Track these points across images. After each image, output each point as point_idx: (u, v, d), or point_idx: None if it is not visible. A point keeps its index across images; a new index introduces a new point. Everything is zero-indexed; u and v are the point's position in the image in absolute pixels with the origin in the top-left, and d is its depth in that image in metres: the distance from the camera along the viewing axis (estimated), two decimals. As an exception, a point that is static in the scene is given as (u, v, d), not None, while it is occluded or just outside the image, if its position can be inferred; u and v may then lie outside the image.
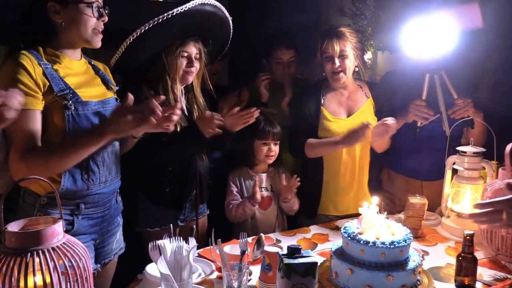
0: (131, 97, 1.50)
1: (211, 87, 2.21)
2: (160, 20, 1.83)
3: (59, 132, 1.56)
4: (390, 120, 2.11)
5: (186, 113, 2.12)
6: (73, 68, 1.66)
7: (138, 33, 1.85)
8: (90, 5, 1.58)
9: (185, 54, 2.02)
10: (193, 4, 1.86)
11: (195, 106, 2.16)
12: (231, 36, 2.18)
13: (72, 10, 1.57)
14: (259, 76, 2.61)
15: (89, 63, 1.77)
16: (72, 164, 1.54)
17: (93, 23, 1.61)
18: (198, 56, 2.07)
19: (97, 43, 1.66)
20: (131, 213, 2.06)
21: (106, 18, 1.65)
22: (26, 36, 1.58)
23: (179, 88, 2.09)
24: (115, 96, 1.79)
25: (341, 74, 2.28)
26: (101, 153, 1.66)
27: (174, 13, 1.83)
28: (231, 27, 2.12)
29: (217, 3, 1.97)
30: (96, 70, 1.78)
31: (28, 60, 1.51)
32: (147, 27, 1.83)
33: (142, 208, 2.11)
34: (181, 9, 1.84)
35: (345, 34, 2.25)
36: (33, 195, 1.59)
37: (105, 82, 1.78)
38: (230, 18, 2.07)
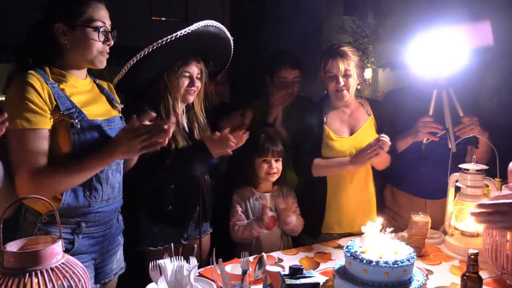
0: (135, 119, 1.52)
1: (209, 106, 2.22)
2: (165, 41, 1.84)
3: (65, 150, 1.56)
4: (384, 137, 2.11)
5: (186, 131, 2.12)
6: (79, 87, 1.67)
7: (142, 55, 1.86)
8: (97, 29, 1.60)
9: (187, 74, 2.03)
10: (197, 26, 1.88)
11: (196, 125, 2.16)
12: (231, 56, 2.20)
13: (79, 33, 1.59)
14: (274, 97, 2.58)
15: (94, 82, 1.79)
16: (80, 182, 1.56)
17: (99, 46, 1.63)
18: (199, 75, 2.08)
19: (102, 64, 1.68)
20: (133, 231, 2.04)
21: (112, 42, 1.67)
22: (33, 56, 1.59)
23: (180, 107, 2.10)
24: (120, 115, 1.79)
25: (345, 92, 2.28)
26: (105, 171, 1.66)
27: (179, 35, 1.85)
28: (232, 47, 2.15)
29: (220, 25, 1.99)
30: (100, 88, 1.79)
31: (36, 80, 1.52)
32: (151, 49, 1.85)
33: (145, 227, 2.09)
34: (186, 31, 1.86)
35: (348, 53, 2.25)
36: (34, 213, 1.58)
37: (110, 101, 1.79)
38: (231, 39, 2.09)
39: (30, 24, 1.63)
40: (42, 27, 1.60)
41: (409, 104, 2.33)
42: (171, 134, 1.57)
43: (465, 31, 2.07)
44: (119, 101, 1.85)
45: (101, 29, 1.61)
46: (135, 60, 1.87)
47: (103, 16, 1.63)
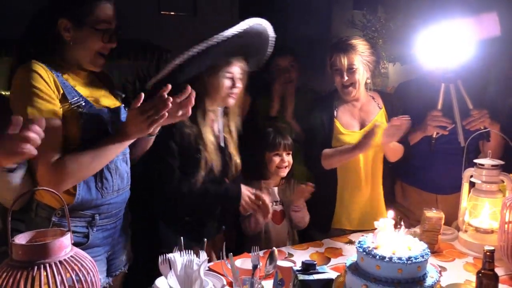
0: (141, 96, 1.49)
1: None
2: (215, 41, 1.73)
3: (75, 140, 1.54)
4: (397, 121, 2.07)
5: (221, 144, 2.02)
6: (81, 78, 1.65)
7: (186, 57, 1.75)
8: (101, 31, 1.57)
9: (229, 75, 1.90)
10: (248, 25, 1.78)
11: (230, 135, 2.05)
12: (269, 53, 2.07)
13: (84, 32, 1.56)
14: (274, 88, 2.56)
15: (93, 73, 1.74)
16: (99, 168, 1.55)
17: (100, 47, 1.60)
18: (241, 76, 1.95)
19: (99, 67, 1.65)
20: (154, 238, 2.02)
21: (115, 44, 1.63)
22: (34, 47, 1.56)
23: (219, 110, 1.99)
24: (123, 105, 1.77)
25: (351, 88, 2.24)
26: (114, 161, 1.65)
27: (230, 35, 1.74)
28: (272, 46, 2.02)
29: (266, 22, 1.88)
30: (100, 79, 1.76)
31: (41, 68, 1.49)
32: (196, 51, 1.73)
33: (164, 235, 2.04)
34: (238, 30, 1.75)
35: (355, 47, 2.20)
36: (47, 208, 1.57)
37: (112, 92, 1.77)
38: (273, 37, 1.97)
39: (30, 17, 1.60)
40: (45, 20, 1.56)
41: (420, 97, 2.30)
42: (192, 103, 1.54)
43: (473, 23, 2.03)
44: (120, 92, 1.82)
45: (106, 31, 1.58)
46: (178, 61, 1.75)
47: (109, 16, 1.59)
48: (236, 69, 1.93)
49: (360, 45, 2.23)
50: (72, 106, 1.53)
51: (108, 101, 1.70)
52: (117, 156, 1.66)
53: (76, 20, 1.54)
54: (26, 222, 1.61)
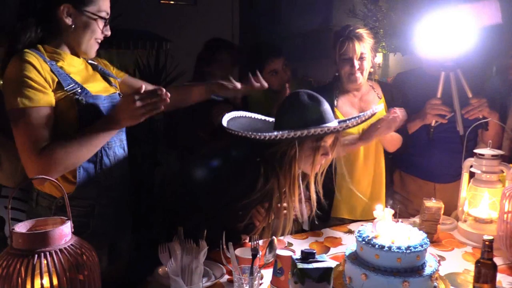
0: (144, 87, 1.49)
1: None
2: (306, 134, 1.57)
3: (71, 127, 1.53)
4: (397, 111, 2.07)
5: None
6: (75, 65, 1.64)
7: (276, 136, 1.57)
8: (102, 19, 1.59)
9: (324, 144, 1.69)
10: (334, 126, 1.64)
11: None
12: None
13: (85, 19, 1.56)
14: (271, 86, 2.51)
15: (86, 61, 1.73)
16: (89, 155, 1.54)
17: (98, 34, 1.61)
18: (332, 142, 1.75)
19: (93, 53, 1.66)
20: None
21: (109, 33, 1.64)
22: (27, 32, 1.54)
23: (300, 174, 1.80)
24: (118, 92, 1.75)
25: (358, 75, 2.24)
26: (112, 148, 1.65)
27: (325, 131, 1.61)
28: None
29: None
30: (94, 66, 1.74)
31: (34, 58, 1.48)
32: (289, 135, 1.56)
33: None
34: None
35: (364, 36, 2.22)
36: (47, 197, 1.57)
37: (106, 78, 1.75)
38: None
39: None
40: (45, 4, 1.54)
41: (419, 86, 2.30)
42: (168, 99, 1.51)
43: (473, 10, 2.02)
44: (116, 77, 1.81)
45: (105, 20, 1.59)
46: (267, 137, 1.56)
47: (108, 7, 1.61)
48: (330, 137, 1.73)
49: (367, 33, 2.25)
50: (68, 93, 1.52)
51: (104, 88, 1.69)
52: (115, 143, 1.66)
53: (78, 6, 1.54)
54: (28, 212, 1.62)
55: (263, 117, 1.83)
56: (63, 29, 1.56)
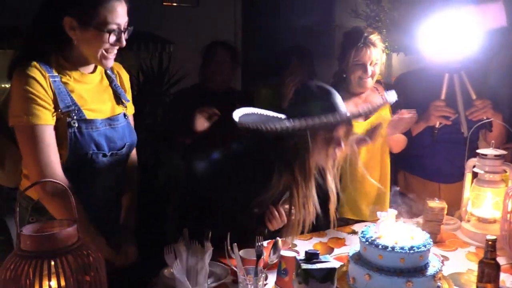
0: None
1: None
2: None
3: (61, 151, 1.48)
4: (406, 114, 2.07)
5: None
6: (84, 81, 1.58)
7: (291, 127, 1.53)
8: (109, 31, 1.49)
9: (336, 135, 1.67)
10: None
11: None
12: None
13: (90, 33, 1.48)
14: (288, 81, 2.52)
15: (105, 72, 1.68)
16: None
17: (106, 47, 1.52)
18: (344, 135, 1.72)
19: (107, 65, 1.57)
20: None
21: (124, 44, 1.54)
22: (41, 43, 1.50)
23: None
24: (124, 111, 1.69)
25: (369, 80, 2.25)
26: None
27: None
28: None
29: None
30: (110, 80, 1.69)
31: (38, 72, 1.44)
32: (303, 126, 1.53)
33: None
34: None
35: (377, 42, 2.23)
36: (27, 199, 1.56)
37: (117, 96, 1.69)
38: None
39: (36, 10, 1.53)
40: (51, 16, 1.49)
41: (422, 87, 2.30)
42: None
43: (478, 13, 2.01)
44: (128, 98, 1.73)
45: (113, 32, 1.50)
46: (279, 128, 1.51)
47: (118, 15, 1.49)
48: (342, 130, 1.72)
49: (379, 39, 2.26)
50: (62, 114, 1.48)
51: (108, 108, 1.63)
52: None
53: (82, 20, 1.47)
54: (11, 213, 1.60)
55: (274, 114, 1.80)
56: (70, 41, 1.50)
